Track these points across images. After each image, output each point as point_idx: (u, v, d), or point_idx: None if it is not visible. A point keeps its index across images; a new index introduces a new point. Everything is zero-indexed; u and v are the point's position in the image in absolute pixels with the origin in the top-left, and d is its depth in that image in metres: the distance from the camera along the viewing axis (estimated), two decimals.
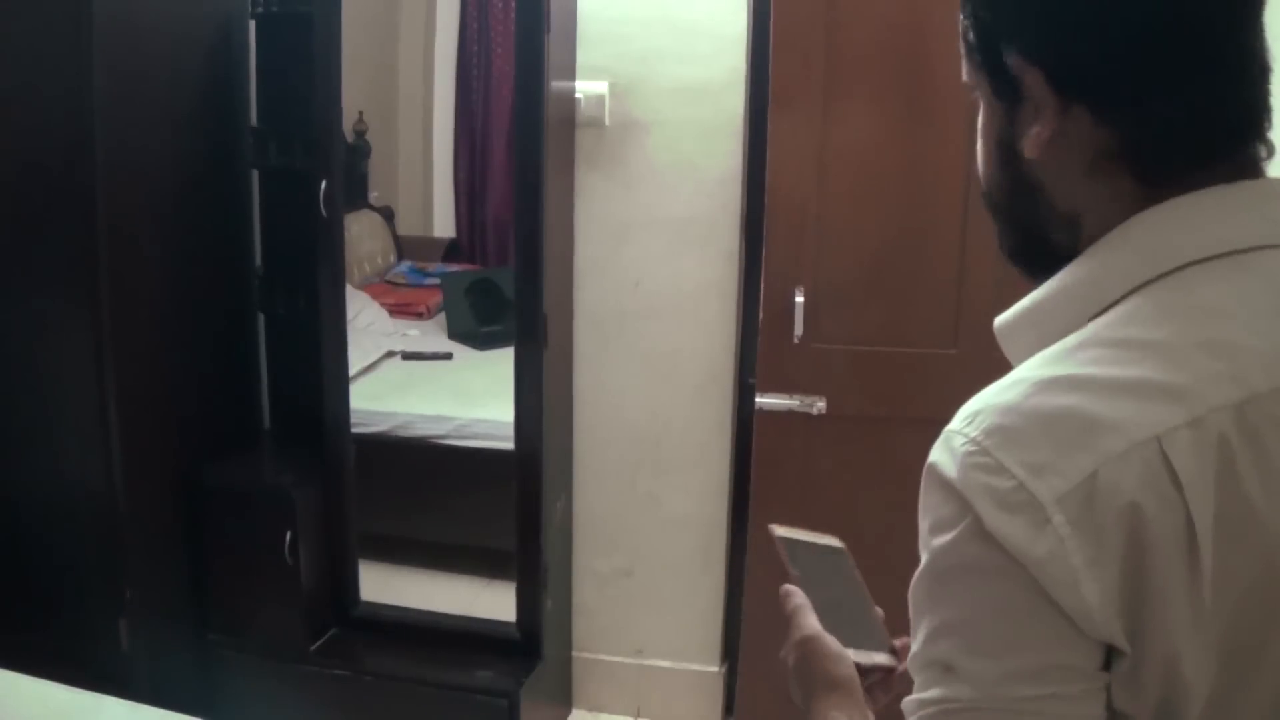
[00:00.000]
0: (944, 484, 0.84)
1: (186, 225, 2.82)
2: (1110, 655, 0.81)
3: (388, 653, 2.96)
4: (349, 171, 4.34)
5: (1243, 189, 0.86)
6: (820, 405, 2.67)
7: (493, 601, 3.06)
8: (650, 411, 3.06)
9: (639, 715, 3.24)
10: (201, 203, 2.87)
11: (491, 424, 3.28)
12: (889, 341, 2.32)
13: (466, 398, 3.57)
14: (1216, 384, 0.80)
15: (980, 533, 0.80)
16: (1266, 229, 0.85)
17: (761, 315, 2.72)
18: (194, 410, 2.91)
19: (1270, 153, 0.89)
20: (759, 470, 2.83)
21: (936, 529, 0.84)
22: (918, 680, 0.86)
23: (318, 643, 2.96)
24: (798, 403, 2.69)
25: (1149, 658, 0.79)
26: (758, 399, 2.69)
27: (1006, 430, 0.82)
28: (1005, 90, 0.91)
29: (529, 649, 2.90)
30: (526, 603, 2.90)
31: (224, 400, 3.06)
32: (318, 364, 2.91)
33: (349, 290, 4.19)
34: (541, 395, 2.77)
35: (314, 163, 2.77)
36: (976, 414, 0.85)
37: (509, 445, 2.88)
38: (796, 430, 2.73)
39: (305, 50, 2.75)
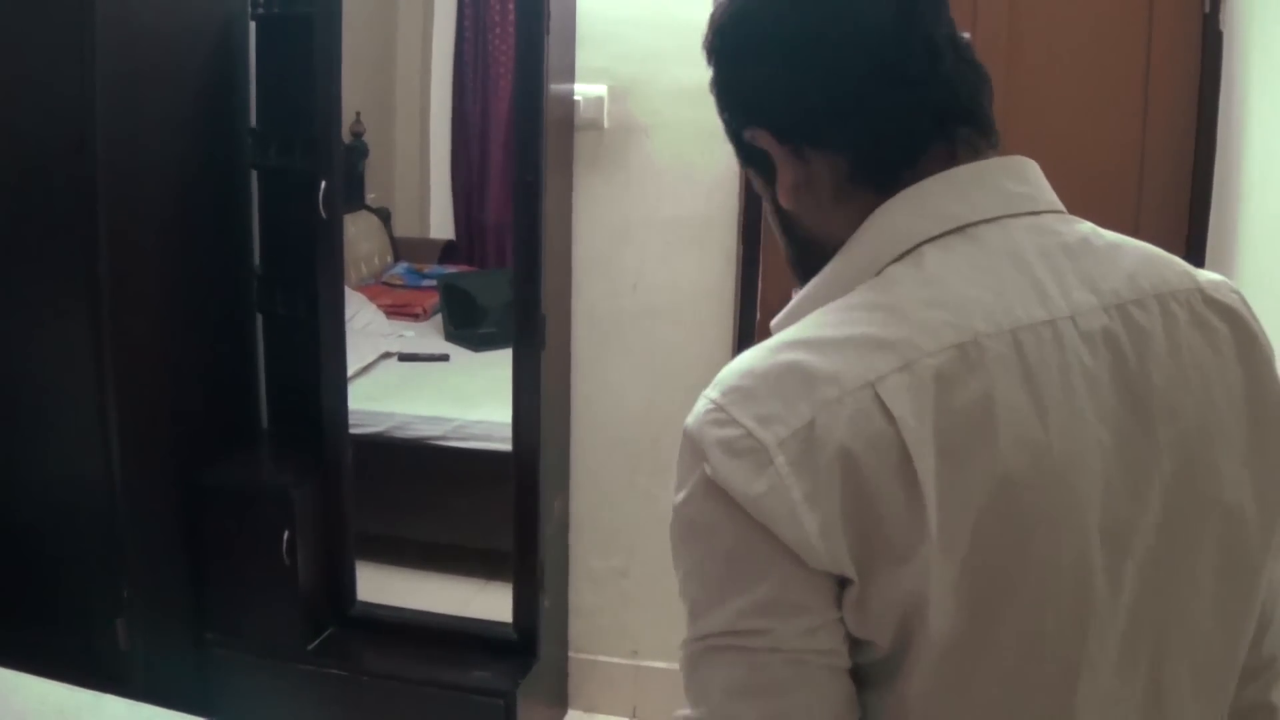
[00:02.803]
0: (685, 443, 0.93)
1: (186, 225, 2.82)
2: (843, 587, 0.88)
3: (384, 652, 2.97)
4: (346, 172, 4.35)
5: (959, 173, 0.99)
6: None
7: (489, 602, 3.06)
8: (648, 411, 3.07)
9: (634, 716, 3.24)
10: (201, 203, 2.88)
11: (488, 425, 3.29)
12: None
13: (463, 399, 3.58)
14: (936, 331, 0.90)
15: (709, 484, 0.89)
16: (987, 204, 0.98)
17: (759, 317, 2.73)
18: (193, 410, 2.91)
19: (983, 130, 1.03)
20: None
21: (678, 486, 0.93)
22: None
23: (315, 642, 2.96)
24: None
25: (876, 584, 0.87)
26: None
27: (741, 389, 0.91)
28: (757, 159, 1.05)
29: (525, 649, 2.91)
30: (523, 603, 2.91)
31: (223, 400, 3.07)
32: (316, 364, 2.92)
33: (346, 291, 4.22)
34: (539, 395, 2.78)
35: (313, 163, 2.78)
36: (720, 380, 0.93)
37: (506, 446, 2.88)
38: None
39: (305, 52, 2.76)
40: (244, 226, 3.04)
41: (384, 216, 4.46)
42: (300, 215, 2.83)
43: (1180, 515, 0.94)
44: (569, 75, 2.86)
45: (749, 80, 1.04)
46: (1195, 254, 2.71)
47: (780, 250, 1.12)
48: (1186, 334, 0.97)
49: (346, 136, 4.30)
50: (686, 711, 0.93)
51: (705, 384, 0.91)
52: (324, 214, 2.79)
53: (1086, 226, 1.05)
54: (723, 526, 0.89)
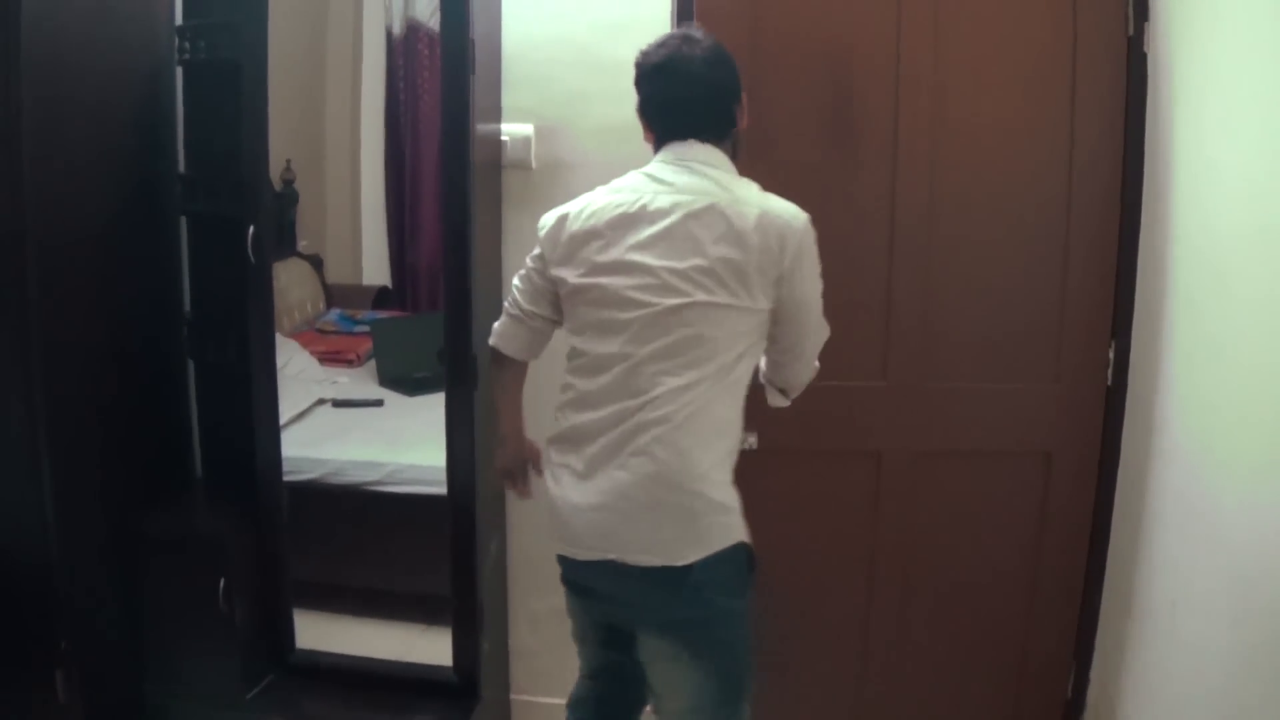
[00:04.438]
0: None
1: (116, 271, 2.79)
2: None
3: (325, 699, 2.93)
4: (277, 219, 4.32)
5: (673, 145, 2.25)
6: (752, 441, 2.68)
7: (430, 646, 3.03)
8: None
9: None
10: (131, 248, 2.85)
11: (423, 469, 3.29)
12: (819, 375, 2.37)
13: (398, 443, 3.56)
14: (604, 195, 2.25)
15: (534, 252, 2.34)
16: (675, 155, 2.23)
17: None
18: (126, 457, 2.87)
19: (694, 131, 2.24)
20: None
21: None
22: None
23: (255, 690, 2.92)
24: None
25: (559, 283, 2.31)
26: None
27: (554, 213, 2.30)
28: None
29: (467, 692, 2.88)
30: (463, 646, 2.88)
31: (156, 447, 3.03)
32: (249, 411, 2.88)
33: (279, 338, 4.18)
34: (473, 437, 2.76)
35: (241, 209, 2.76)
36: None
37: (442, 490, 2.86)
38: None
39: (232, 97, 2.75)
40: (174, 272, 3.01)
41: (315, 263, 4.43)
42: (230, 261, 2.81)
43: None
44: (495, 115, 2.87)
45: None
46: (1125, 278, 2.76)
47: None
48: (709, 215, 2.13)
49: (277, 183, 4.28)
50: None
51: None
52: (253, 259, 2.76)
53: (714, 173, 2.21)
54: (534, 270, 2.39)
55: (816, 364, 2.37)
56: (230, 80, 2.75)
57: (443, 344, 2.74)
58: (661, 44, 2.24)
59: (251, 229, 2.75)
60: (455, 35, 2.59)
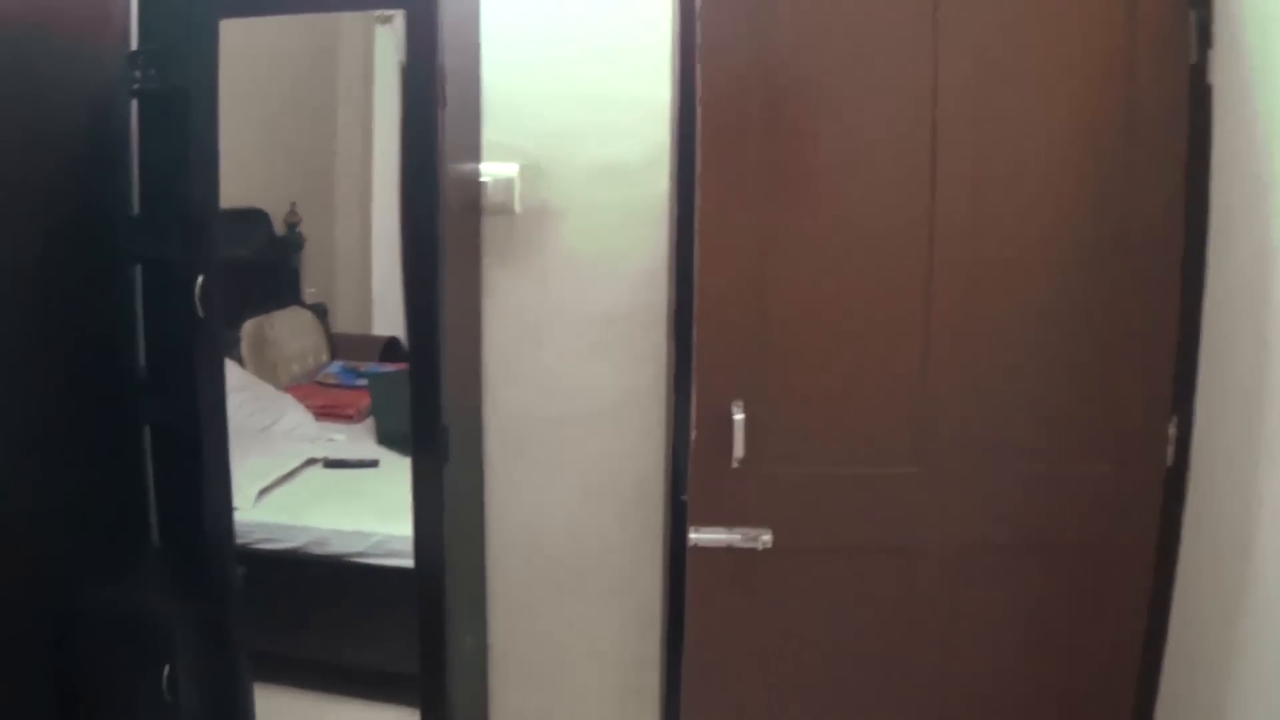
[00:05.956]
0: None
1: (58, 330, 2.50)
2: None
3: None
4: (279, 266, 4.13)
5: None
6: (766, 539, 2.36)
7: None
8: (574, 530, 2.75)
9: None
10: (76, 304, 2.56)
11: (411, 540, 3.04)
12: (843, 461, 2.06)
13: (388, 510, 3.29)
14: None
15: None
16: None
17: (694, 435, 2.43)
18: (64, 531, 2.57)
19: None
20: (694, 614, 2.49)
21: None
22: None
23: None
24: (739, 537, 2.36)
25: None
26: (691, 534, 2.35)
27: None
28: None
29: None
30: None
31: (102, 519, 2.73)
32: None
33: (271, 392, 3.95)
34: (442, 514, 2.49)
35: (188, 254, 2.49)
36: None
37: None
38: (739, 567, 2.42)
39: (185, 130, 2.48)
40: (126, 324, 2.72)
41: (320, 312, 4.22)
42: (185, 313, 2.54)
43: None
44: (474, 154, 2.59)
45: None
46: (1190, 320, 2.41)
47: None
48: None
49: (280, 227, 4.09)
50: None
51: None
52: (201, 312, 2.48)
53: None
54: None
55: None
56: (183, 111, 2.49)
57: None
58: None
59: (200, 279, 2.46)
60: (421, 63, 2.32)
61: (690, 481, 2.38)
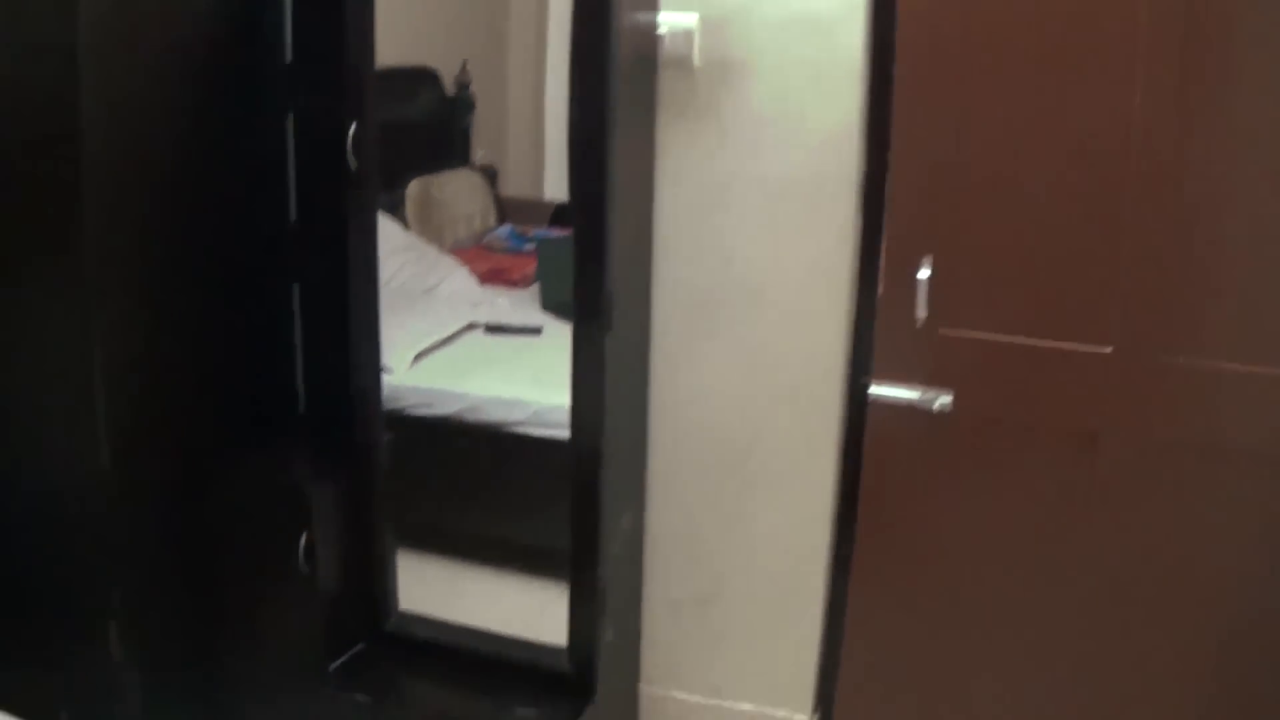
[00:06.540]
0: None
1: (203, 181, 2.40)
2: None
3: (418, 676, 2.59)
4: (449, 127, 4.05)
5: None
6: (945, 400, 2.30)
7: (561, 615, 2.65)
8: (743, 411, 2.60)
9: None
10: (224, 157, 2.45)
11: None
12: (1031, 331, 1.88)
13: (548, 380, 3.19)
14: None
15: None
16: None
17: (880, 289, 2.29)
18: (206, 393, 2.51)
19: None
20: (869, 471, 2.44)
21: None
22: None
23: (338, 661, 2.57)
24: (918, 395, 2.32)
25: None
26: (871, 387, 2.35)
27: None
28: None
29: (580, 686, 2.47)
30: (579, 631, 2.47)
31: (244, 382, 2.64)
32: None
33: (435, 255, 3.87)
34: (602, 385, 2.35)
35: (342, 104, 2.37)
36: None
37: None
38: (916, 428, 2.36)
39: None
40: (279, 177, 2.61)
41: (490, 175, 4.14)
42: (338, 165, 2.43)
43: None
44: (651, 2, 2.38)
45: None
46: None
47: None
48: None
49: (450, 87, 3.99)
50: None
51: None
52: (353, 163, 2.37)
53: None
54: None
55: None
56: None
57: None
58: None
59: (354, 127, 2.34)
60: None
61: (874, 336, 2.38)
